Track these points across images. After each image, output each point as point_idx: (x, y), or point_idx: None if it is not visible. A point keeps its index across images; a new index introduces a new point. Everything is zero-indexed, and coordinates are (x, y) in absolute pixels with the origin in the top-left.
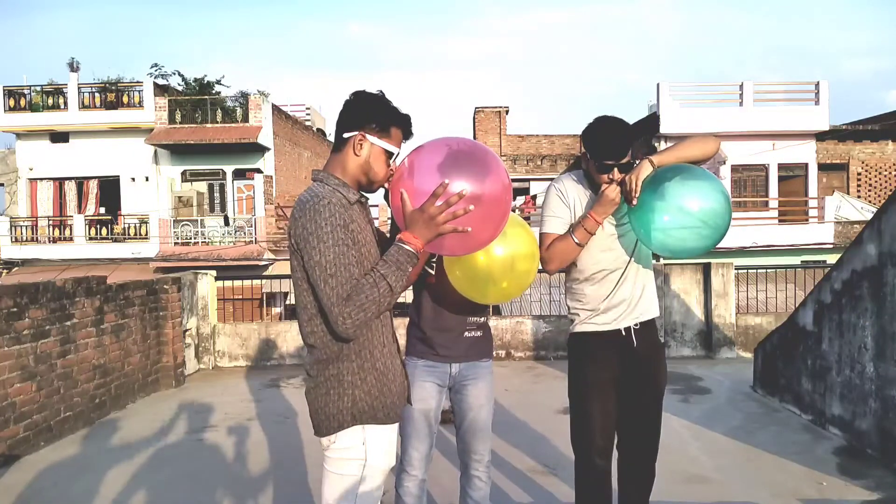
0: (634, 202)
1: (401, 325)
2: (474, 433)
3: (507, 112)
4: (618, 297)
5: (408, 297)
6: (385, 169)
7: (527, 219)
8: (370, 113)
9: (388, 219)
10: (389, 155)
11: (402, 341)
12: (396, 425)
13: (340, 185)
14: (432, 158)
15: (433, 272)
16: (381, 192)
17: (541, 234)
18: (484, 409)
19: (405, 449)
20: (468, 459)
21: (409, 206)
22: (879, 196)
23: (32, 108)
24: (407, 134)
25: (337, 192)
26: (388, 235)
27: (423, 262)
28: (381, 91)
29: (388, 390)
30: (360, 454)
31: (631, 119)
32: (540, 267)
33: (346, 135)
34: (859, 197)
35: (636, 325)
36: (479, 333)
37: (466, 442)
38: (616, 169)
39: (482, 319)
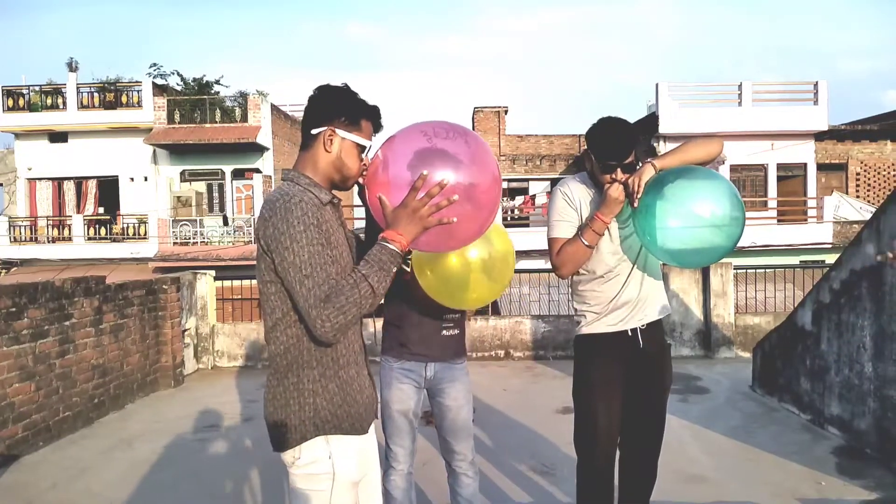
0: (636, 204)
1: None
2: (455, 433)
3: (506, 112)
4: (624, 298)
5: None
6: (358, 163)
7: (525, 218)
8: (339, 107)
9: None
10: (361, 149)
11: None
12: (366, 436)
13: (312, 184)
14: (406, 148)
15: (409, 269)
16: (355, 189)
17: (550, 239)
18: (463, 409)
19: (389, 446)
20: (451, 459)
21: (390, 206)
22: (878, 196)
23: (31, 107)
24: (377, 126)
25: (308, 191)
26: (363, 238)
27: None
28: (346, 84)
29: (354, 400)
30: (327, 468)
31: (630, 119)
32: (550, 267)
33: (314, 131)
34: (858, 197)
35: (642, 325)
36: (456, 331)
37: (449, 442)
38: (619, 169)
39: (458, 315)
